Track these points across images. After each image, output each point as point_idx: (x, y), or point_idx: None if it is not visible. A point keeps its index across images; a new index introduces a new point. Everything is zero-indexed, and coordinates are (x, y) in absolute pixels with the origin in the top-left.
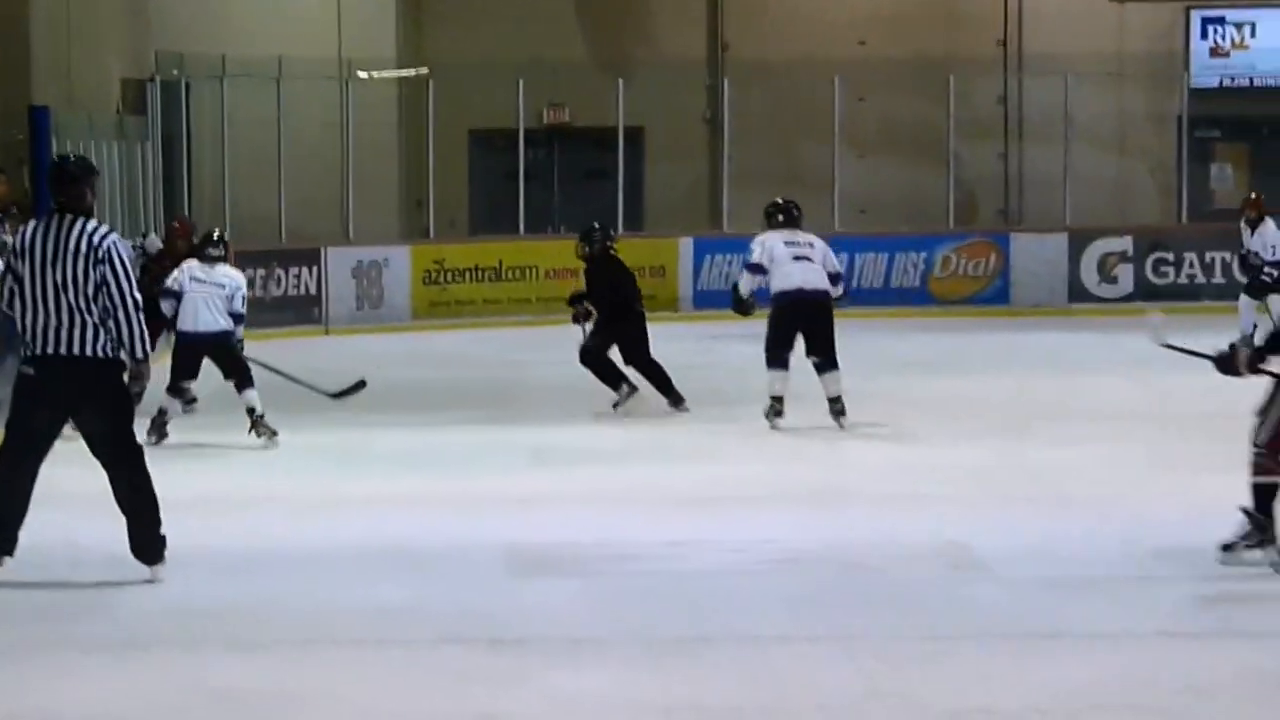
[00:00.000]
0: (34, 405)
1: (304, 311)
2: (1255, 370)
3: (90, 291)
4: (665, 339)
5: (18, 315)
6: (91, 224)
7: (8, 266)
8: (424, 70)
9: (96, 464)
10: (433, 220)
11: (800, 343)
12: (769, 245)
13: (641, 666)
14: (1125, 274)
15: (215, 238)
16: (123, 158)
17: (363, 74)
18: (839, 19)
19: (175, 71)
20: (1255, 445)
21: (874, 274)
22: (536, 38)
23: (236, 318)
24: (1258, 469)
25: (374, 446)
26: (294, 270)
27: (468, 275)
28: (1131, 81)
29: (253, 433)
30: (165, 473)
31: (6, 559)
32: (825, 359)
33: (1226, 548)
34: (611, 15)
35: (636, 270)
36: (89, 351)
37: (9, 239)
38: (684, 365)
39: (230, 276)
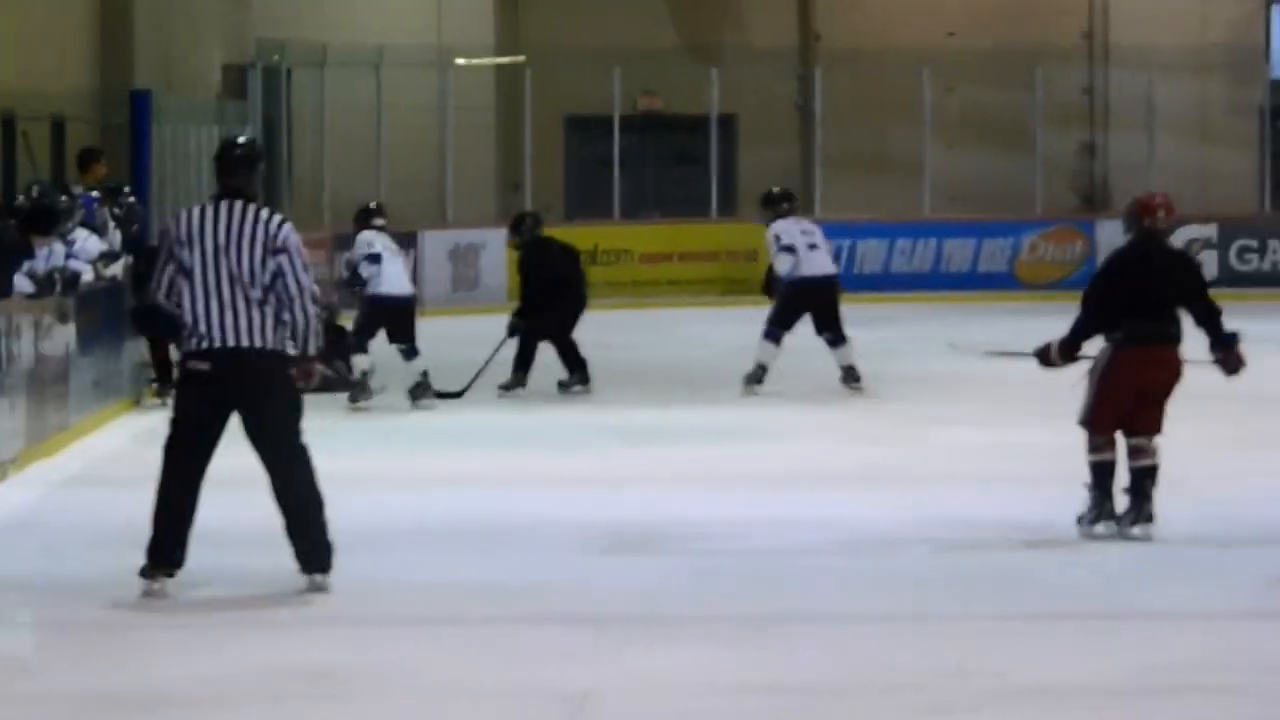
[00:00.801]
0: (204, 402)
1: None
2: (1069, 358)
3: (266, 282)
4: (754, 322)
5: (186, 306)
6: (265, 211)
7: (169, 255)
8: (521, 58)
9: None
10: (529, 204)
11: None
12: (790, 232)
13: (723, 645)
14: (1209, 260)
15: (377, 207)
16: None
17: (461, 61)
18: (927, 10)
19: (276, 58)
20: (1079, 423)
21: (962, 259)
22: (630, 25)
23: None
24: (1090, 447)
25: (466, 426)
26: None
27: None
28: (1214, 72)
29: (419, 397)
30: (252, 453)
31: (166, 577)
32: (837, 335)
33: (1078, 520)
34: (704, 4)
35: (728, 254)
36: (265, 345)
37: (109, 218)
38: None
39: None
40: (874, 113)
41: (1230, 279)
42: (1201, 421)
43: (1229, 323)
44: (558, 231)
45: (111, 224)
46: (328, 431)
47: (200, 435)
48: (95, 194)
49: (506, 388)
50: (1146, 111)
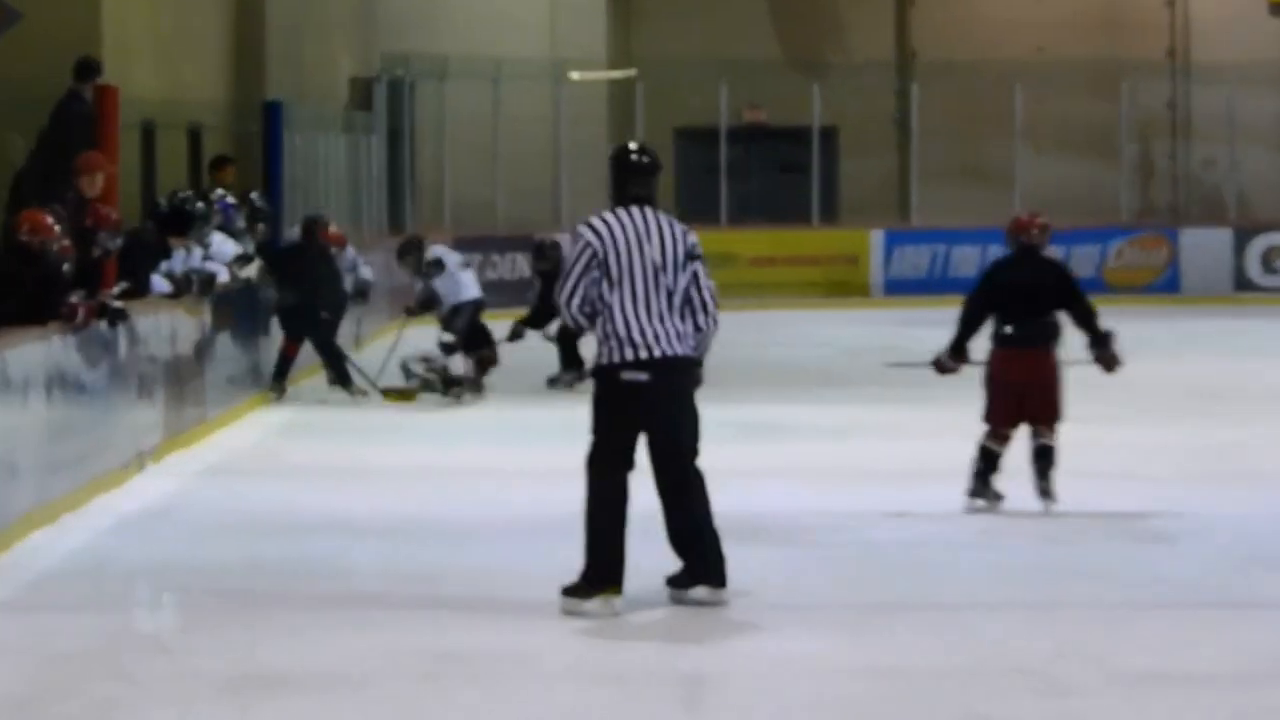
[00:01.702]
0: (638, 412)
1: (517, 294)
2: (959, 360)
3: (684, 288)
4: (857, 323)
5: (616, 316)
6: (673, 219)
7: (589, 265)
8: (632, 71)
9: (317, 435)
10: None
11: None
12: None
13: (844, 630)
14: None
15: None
16: (348, 150)
17: (574, 74)
18: (1019, 27)
19: (400, 71)
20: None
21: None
22: (737, 41)
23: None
24: (985, 436)
25: (587, 423)
26: (509, 255)
27: None
28: None
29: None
30: (380, 446)
31: (614, 595)
32: None
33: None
34: (806, 21)
35: (830, 258)
36: (689, 353)
37: (244, 222)
38: (877, 347)
39: None
40: (968, 125)
41: None
42: None
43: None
44: None
45: (245, 228)
46: (439, 426)
47: (627, 450)
48: (231, 199)
49: (568, 384)
50: (1227, 123)
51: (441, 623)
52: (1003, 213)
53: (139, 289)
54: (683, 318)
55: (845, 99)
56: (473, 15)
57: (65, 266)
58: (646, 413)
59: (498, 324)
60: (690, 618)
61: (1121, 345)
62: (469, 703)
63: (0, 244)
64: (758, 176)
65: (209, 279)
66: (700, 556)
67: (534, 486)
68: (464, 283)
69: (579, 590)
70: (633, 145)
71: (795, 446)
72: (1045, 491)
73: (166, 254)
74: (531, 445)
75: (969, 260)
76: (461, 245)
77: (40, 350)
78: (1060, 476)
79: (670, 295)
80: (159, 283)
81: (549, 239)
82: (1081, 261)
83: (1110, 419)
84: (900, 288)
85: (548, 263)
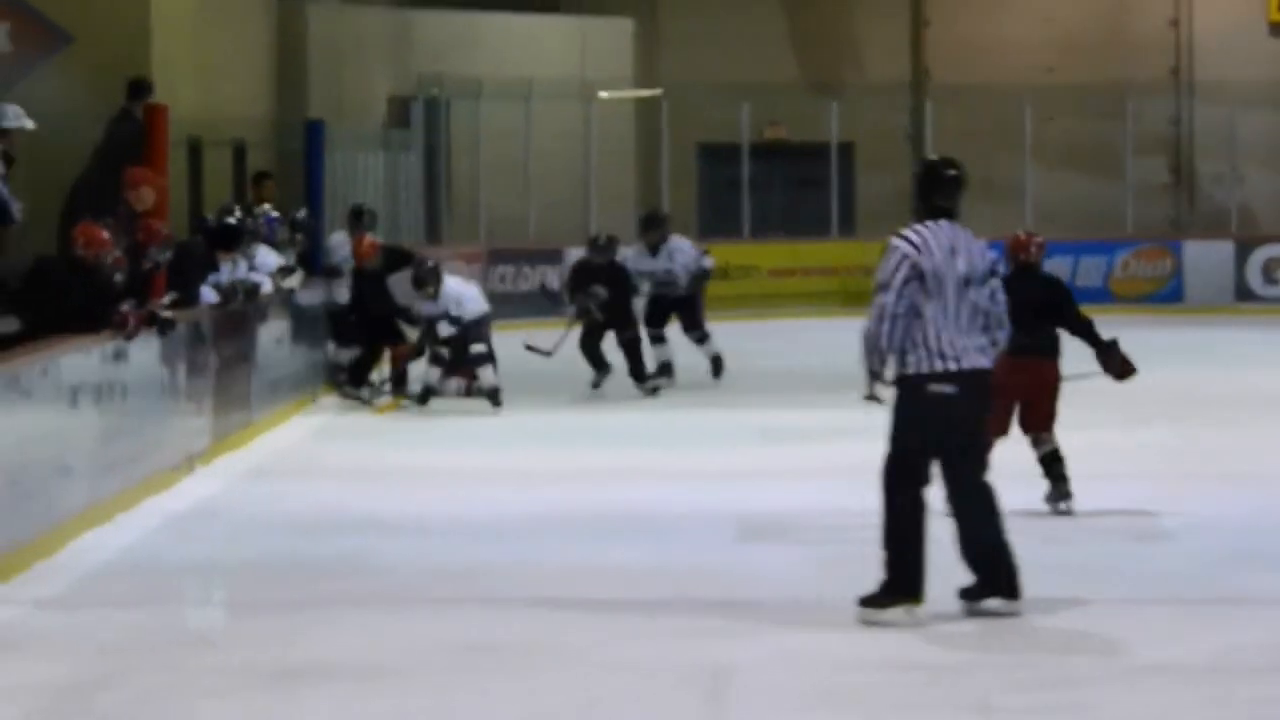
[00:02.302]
0: (940, 425)
1: (546, 304)
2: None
3: (982, 303)
4: None
5: (929, 327)
6: (971, 234)
7: (910, 275)
8: (658, 91)
9: (355, 438)
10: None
11: None
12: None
13: (859, 624)
14: None
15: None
16: (386, 167)
17: (603, 94)
18: (1028, 48)
19: (436, 90)
20: None
21: (1060, 274)
22: (758, 62)
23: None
24: None
25: (614, 424)
26: (539, 267)
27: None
28: None
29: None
30: (413, 449)
31: (914, 605)
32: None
33: None
34: (824, 43)
35: (847, 270)
36: (988, 366)
37: (287, 236)
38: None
39: None
40: (979, 142)
41: None
42: None
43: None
44: None
45: (287, 240)
46: (470, 431)
47: (929, 459)
48: (274, 214)
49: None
50: (1229, 140)
51: (470, 615)
52: (1012, 226)
53: (188, 299)
54: (982, 331)
55: (861, 117)
56: (506, 38)
57: (117, 277)
58: (948, 426)
59: (517, 335)
60: (709, 612)
61: (1129, 353)
62: (497, 690)
63: (55, 254)
64: (778, 191)
65: (253, 289)
66: (993, 569)
67: (558, 486)
68: (465, 300)
69: (878, 600)
70: (943, 158)
71: (813, 448)
72: (1064, 494)
73: (214, 266)
74: (555, 448)
75: None
76: (494, 257)
77: (93, 358)
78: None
79: (974, 309)
80: (207, 293)
81: (601, 236)
82: (1088, 273)
83: (1106, 423)
84: None
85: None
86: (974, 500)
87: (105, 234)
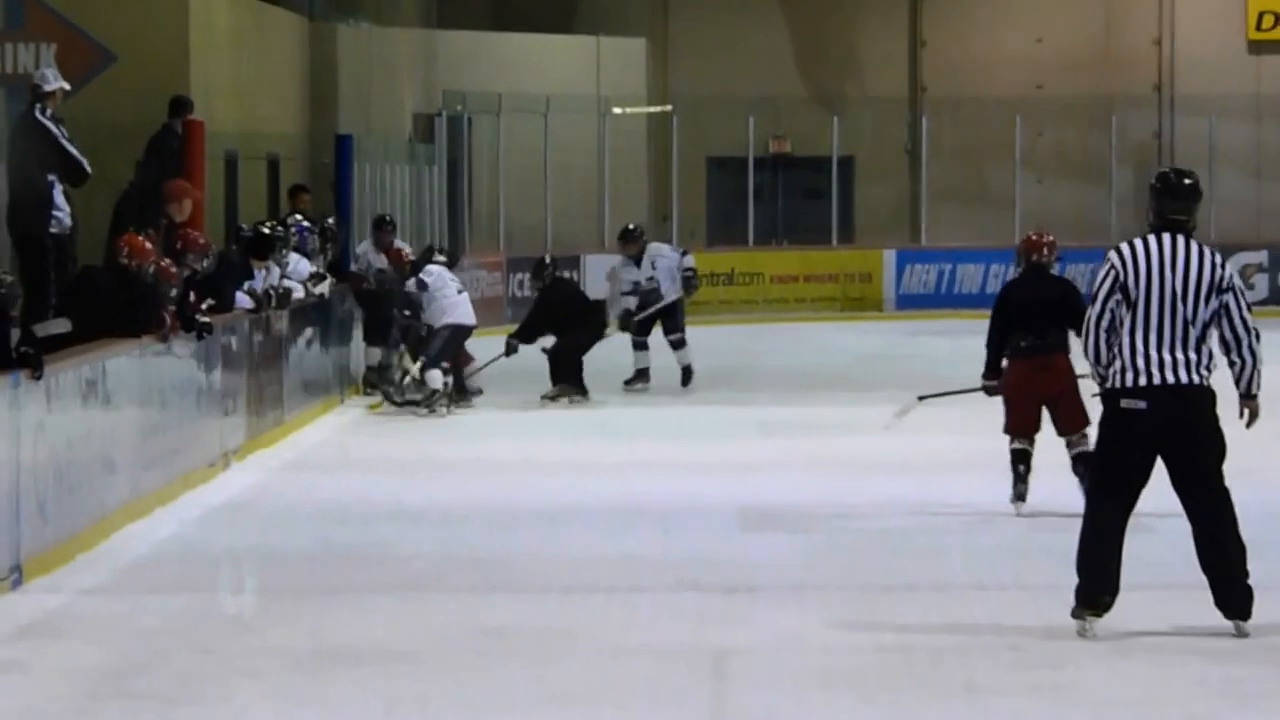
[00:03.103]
0: (1134, 440)
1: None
2: (997, 379)
3: (1206, 319)
4: (871, 334)
5: (1125, 339)
6: (1207, 248)
7: (1113, 286)
8: (669, 106)
9: (382, 433)
10: (676, 232)
11: None
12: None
13: (854, 609)
14: (1261, 281)
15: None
16: (412, 179)
17: (617, 109)
18: (1020, 65)
19: (459, 107)
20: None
21: None
22: (763, 78)
23: None
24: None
25: (623, 421)
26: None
27: (705, 280)
28: (1267, 119)
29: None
30: (436, 443)
31: (1094, 617)
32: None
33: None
34: (826, 60)
35: (847, 276)
36: (1202, 382)
37: (318, 244)
38: (889, 355)
39: None
40: (973, 154)
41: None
42: (1266, 419)
43: None
44: (702, 258)
45: (318, 248)
46: (490, 425)
47: (1132, 476)
48: (306, 223)
49: (551, 398)
50: (1208, 152)
51: (491, 603)
52: (1005, 234)
53: (224, 305)
54: (1198, 348)
55: (862, 130)
56: (525, 57)
57: (173, 292)
58: (1143, 441)
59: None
60: (713, 598)
61: None
62: (516, 674)
63: (102, 262)
64: (782, 201)
65: (286, 295)
66: (1221, 582)
67: (571, 479)
68: (448, 306)
69: (1073, 608)
70: (1177, 169)
71: (813, 442)
72: None
73: (249, 273)
74: (568, 443)
75: (973, 277)
76: (514, 265)
77: (135, 359)
78: (1050, 471)
79: (1188, 325)
80: (242, 299)
81: (547, 257)
82: (1076, 279)
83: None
84: (911, 302)
85: (542, 281)
86: (1204, 512)
87: (148, 244)
